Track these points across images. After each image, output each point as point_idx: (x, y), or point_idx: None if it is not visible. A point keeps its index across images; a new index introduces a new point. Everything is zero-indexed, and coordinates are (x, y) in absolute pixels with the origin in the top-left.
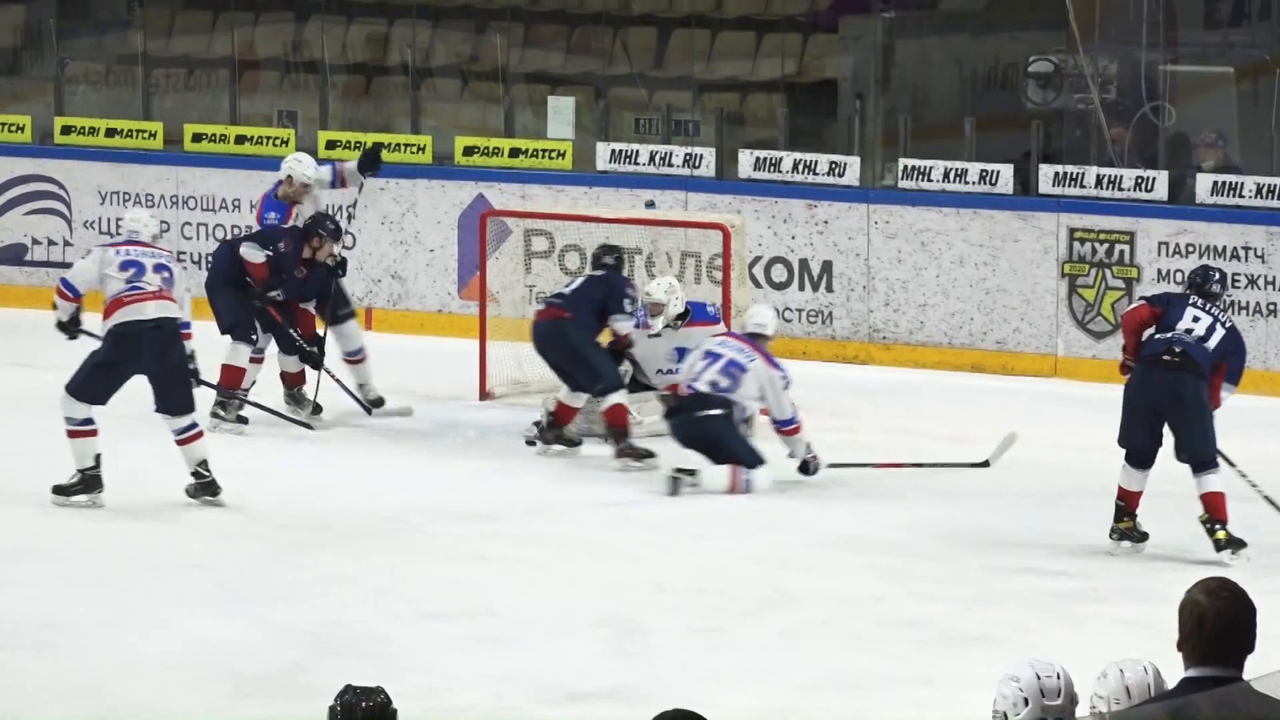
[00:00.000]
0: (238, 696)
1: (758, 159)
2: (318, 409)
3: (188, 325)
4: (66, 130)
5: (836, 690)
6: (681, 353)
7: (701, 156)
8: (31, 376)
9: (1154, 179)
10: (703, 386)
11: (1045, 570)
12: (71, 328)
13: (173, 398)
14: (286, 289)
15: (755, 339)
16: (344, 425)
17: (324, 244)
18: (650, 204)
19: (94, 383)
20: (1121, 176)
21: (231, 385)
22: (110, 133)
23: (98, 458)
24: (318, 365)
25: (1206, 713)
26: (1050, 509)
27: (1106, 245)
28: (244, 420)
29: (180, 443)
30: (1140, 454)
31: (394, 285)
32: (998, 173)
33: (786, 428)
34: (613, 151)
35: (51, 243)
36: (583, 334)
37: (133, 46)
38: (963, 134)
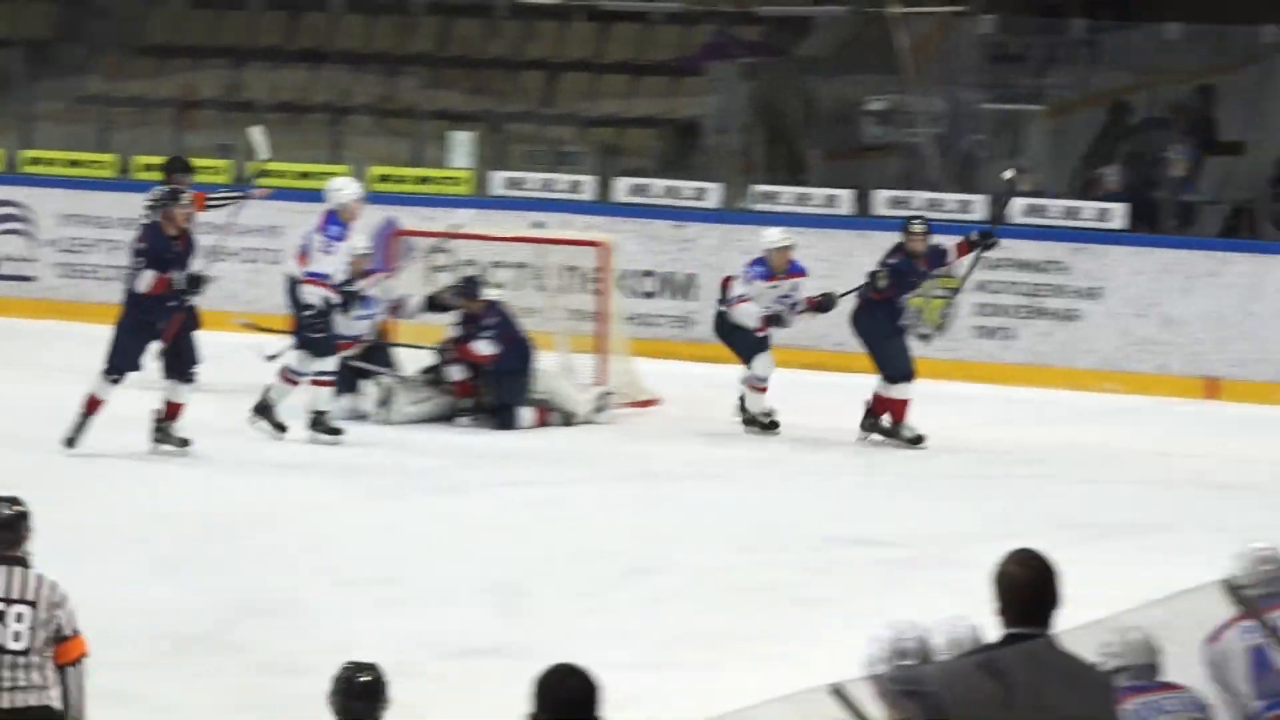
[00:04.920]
0: (175, 654)
1: (632, 185)
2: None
3: None
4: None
5: (696, 645)
6: None
7: (583, 183)
8: None
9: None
10: None
11: (874, 541)
12: None
13: None
14: None
15: None
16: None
17: None
18: (538, 225)
19: None
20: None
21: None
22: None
23: None
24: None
25: (1011, 660)
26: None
27: None
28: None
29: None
30: None
31: None
32: (839, 197)
33: None
34: (506, 179)
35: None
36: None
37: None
38: (810, 164)
